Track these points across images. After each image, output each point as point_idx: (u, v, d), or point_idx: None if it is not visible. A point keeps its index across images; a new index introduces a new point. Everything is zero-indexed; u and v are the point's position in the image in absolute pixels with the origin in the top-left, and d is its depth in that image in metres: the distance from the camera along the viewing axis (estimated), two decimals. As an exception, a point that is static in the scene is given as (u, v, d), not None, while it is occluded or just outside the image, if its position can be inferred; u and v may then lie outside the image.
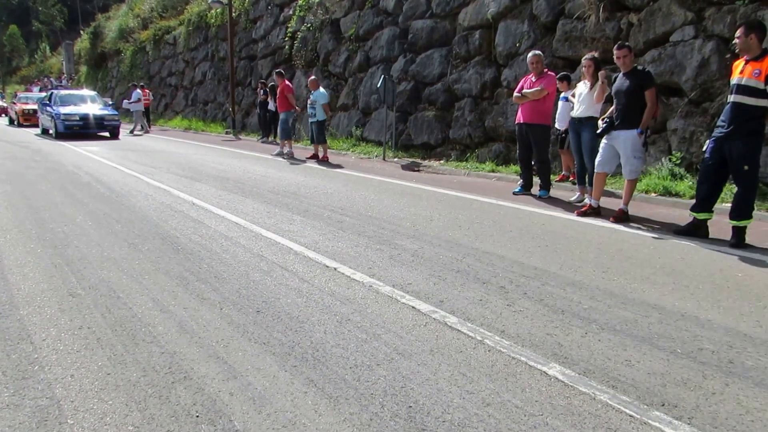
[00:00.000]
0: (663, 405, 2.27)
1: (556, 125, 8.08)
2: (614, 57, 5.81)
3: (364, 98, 13.71)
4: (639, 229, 5.49)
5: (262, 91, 16.72)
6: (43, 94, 23.04)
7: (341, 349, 2.72)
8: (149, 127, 20.39)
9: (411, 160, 11.29)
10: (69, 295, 3.37)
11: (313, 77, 12.08)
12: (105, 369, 2.48)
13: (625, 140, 5.70)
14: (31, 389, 2.31)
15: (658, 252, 4.61)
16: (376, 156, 11.97)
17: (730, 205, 4.99)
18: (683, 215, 5.67)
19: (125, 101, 20.44)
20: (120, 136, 16.84)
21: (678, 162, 7.51)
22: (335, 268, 3.99)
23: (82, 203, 6.23)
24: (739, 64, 4.84)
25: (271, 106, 15.70)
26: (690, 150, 7.51)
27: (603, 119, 5.95)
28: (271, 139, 16.29)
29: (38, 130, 18.47)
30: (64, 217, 5.47)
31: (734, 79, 4.81)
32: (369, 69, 13.83)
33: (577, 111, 6.48)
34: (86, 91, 20.20)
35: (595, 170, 6.06)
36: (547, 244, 4.81)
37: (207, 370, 2.49)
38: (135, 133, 18.87)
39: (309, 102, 11.69)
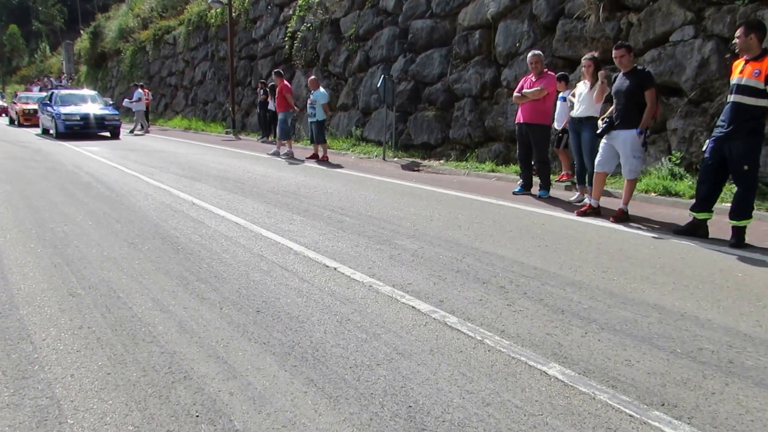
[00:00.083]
0: (663, 405, 2.27)
1: (554, 125, 8.08)
2: (613, 57, 5.82)
3: (364, 98, 13.71)
4: (639, 228, 5.49)
5: (262, 90, 16.72)
6: (43, 93, 23.04)
7: (341, 349, 2.72)
8: (148, 127, 20.40)
9: (411, 159, 11.30)
10: (69, 295, 3.37)
11: (313, 77, 12.08)
12: (105, 369, 2.48)
13: (625, 140, 5.70)
14: (31, 389, 2.31)
15: (657, 252, 4.61)
16: (376, 156, 11.97)
17: (729, 204, 4.99)
18: (683, 215, 5.67)
19: (126, 100, 20.44)
20: (120, 136, 16.83)
21: (678, 162, 7.51)
22: (335, 268, 3.99)
23: (82, 203, 6.23)
24: (738, 64, 4.84)
25: (271, 105, 15.69)
26: (690, 150, 7.51)
27: (603, 119, 5.95)
28: (271, 139, 16.29)
29: (39, 130, 18.45)
30: (64, 217, 5.47)
31: (734, 78, 4.82)
32: (369, 69, 13.83)
33: (577, 111, 6.48)
34: (87, 91, 20.18)
35: (595, 170, 6.06)
36: (547, 243, 4.81)
37: (207, 369, 2.49)
38: (136, 132, 18.86)
39: (309, 102, 11.68)
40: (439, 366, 2.56)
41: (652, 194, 7.08)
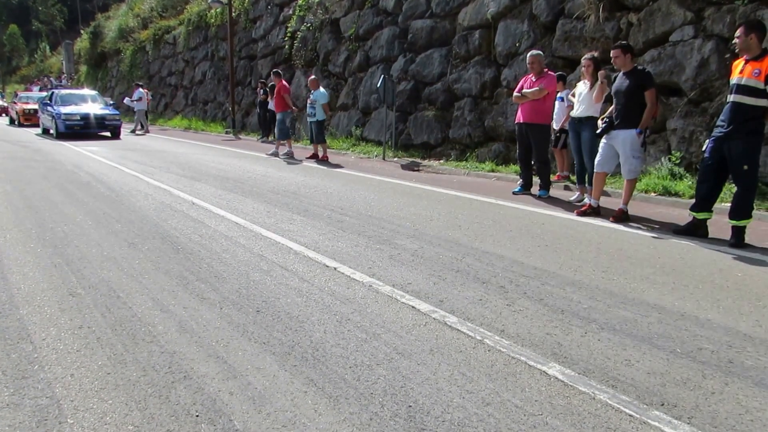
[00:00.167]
0: (662, 404, 2.28)
1: (552, 125, 8.07)
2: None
3: (364, 98, 13.72)
4: (639, 228, 5.50)
5: (261, 90, 16.72)
6: (43, 93, 23.03)
7: (341, 349, 2.72)
8: (148, 127, 20.40)
9: (411, 159, 11.30)
10: (69, 295, 3.37)
11: (313, 77, 12.07)
12: (105, 368, 2.49)
13: (624, 140, 5.70)
14: (31, 388, 2.31)
15: (657, 252, 4.62)
16: (376, 156, 11.97)
17: (729, 204, 4.99)
18: (683, 215, 5.67)
19: (127, 99, 20.44)
20: (121, 136, 16.82)
21: (677, 162, 7.51)
22: (335, 268, 3.99)
23: (82, 203, 6.23)
24: (738, 64, 4.84)
25: (271, 105, 15.66)
26: (689, 150, 7.51)
27: (602, 119, 5.95)
28: (271, 138, 16.29)
29: (39, 130, 18.44)
30: (64, 217, 5.47)
31: (734, 78, 4.82)
32: (369, 69, 13.83)
33: (577, 111, 6.48)
34: (87, 91, 20.17)
35: (595, 170, 6.06)
36: (547, 243, 4.81)
37: (207, 369, 2.50)
38: (137, 132, 18.86)
39: (309, 102, 11.67)
40: (438, 366, 2.57)
41: (652, 194, 7.08)
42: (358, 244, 4.68)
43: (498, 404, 2.25)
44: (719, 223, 5.23)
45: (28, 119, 21.63)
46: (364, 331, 2.93)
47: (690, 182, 6.95)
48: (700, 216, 5.12)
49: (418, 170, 10.28)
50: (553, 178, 8.25)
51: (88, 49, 36.99)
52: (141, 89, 19.57)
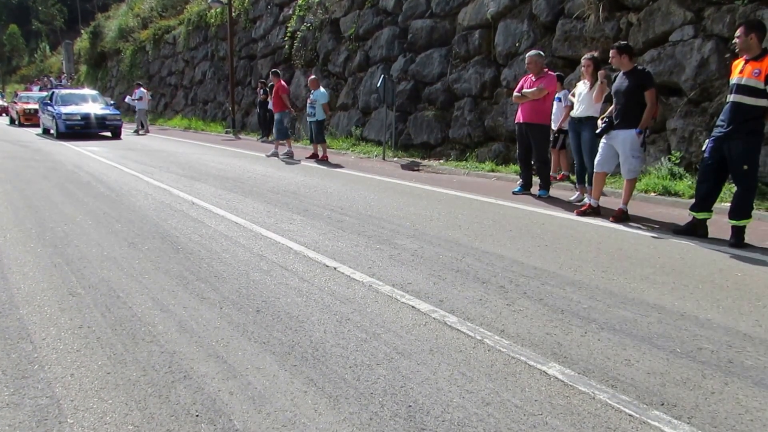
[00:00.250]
0: (662, 404, 2.28)
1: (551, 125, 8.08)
2: (611, 57, 5.83)
3: (364, 98, 13.71)
4: (638, 228, 5.50)
5: (261, 90, 16.71)
6: (44, 93, 23.03)
7: (341, 349, 2.72)
8: (148, 127, 20.39)
9: (411, 159, 11.30)
10: (69, 295, 3.37)
11: (313, 77, 12.06)
12: (105, 368, 2.49)
13: (624, 140, 5.70)
14: (31, 388, 2.31)
15: (657, 251, 4.62)
16: (376, 155, 11.97)
17: (729, 204, 4.99)
18: (683, 215, 5.67)
19: (128, 97, 20.43)
20: (122, 136, 16.82)
21: (677, 161, 7.51)
22: (335, 268, 3.99)
23: (82, 202, 6.23)
24: (738, 64, 4.84)
25: (270, 105, 15.69)
26: (689, 149, 7.51)
27: (602, 119, 5.95)
28: (270, 138, 16.28)
29: (39, 130, 18.44)
30: (64, 217, 5.47)
31: (734, 78, 4.81)
32: (369, 68, 13.83)
33: (577, 111, 6.48)
34: (88, 91, 20.16)
35: (595, 170, 6.06)
36: (547, 243, 4.81)
37: (207, 369, 2.50)
38: (139, 133, 18.85)
39: (309, 101, 11.66)
40: (438, 365, 2.57)
41: (652, 194, 7.08)
42: (358, 243, 4.69)
43: (498, 404, 2.26)
44: (719, 223, 5.23)
45: (29, 119, 21.63)
46: (364, 331, 2.93)
47: (690, 182, 6.95)
48: (700, 216, 5.12)
49: (417, 170, 10.28)
50: (557, 177, 8.27)
51: (88, 48, 37.01)
52: (142, 89, 19.56)
